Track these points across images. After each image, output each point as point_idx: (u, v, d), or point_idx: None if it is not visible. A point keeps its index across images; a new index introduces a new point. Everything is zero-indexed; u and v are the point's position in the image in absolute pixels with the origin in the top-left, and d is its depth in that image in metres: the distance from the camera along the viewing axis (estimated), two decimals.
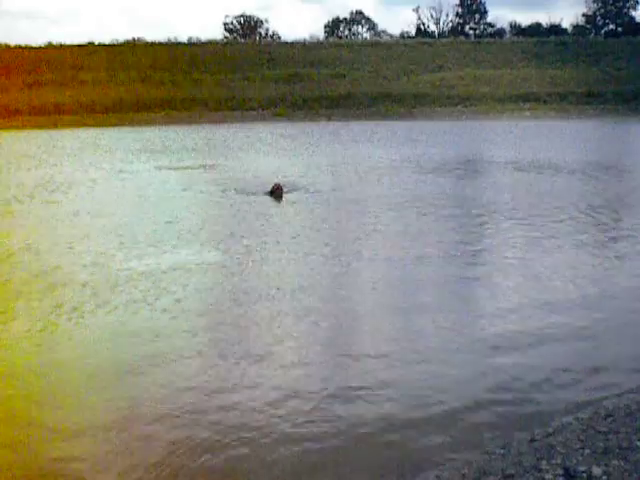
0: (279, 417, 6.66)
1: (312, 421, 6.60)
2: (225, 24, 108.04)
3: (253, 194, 19.58)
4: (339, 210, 17.49)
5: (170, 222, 16.36)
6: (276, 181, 19.80)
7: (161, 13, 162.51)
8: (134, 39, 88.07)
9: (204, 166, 27.74)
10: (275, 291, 10.61)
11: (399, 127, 51.47)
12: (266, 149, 35.29)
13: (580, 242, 14.04)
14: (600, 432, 6.06)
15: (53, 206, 18.93)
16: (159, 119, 59.79)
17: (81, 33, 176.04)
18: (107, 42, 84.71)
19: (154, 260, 12.66)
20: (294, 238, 14.35)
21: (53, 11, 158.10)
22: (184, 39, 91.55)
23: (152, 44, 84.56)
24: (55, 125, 54.12)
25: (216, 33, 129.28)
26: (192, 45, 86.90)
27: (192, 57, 77.79)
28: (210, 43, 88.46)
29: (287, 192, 19.41)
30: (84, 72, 70.42)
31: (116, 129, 52.41)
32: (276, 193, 18.88)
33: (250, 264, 12.32)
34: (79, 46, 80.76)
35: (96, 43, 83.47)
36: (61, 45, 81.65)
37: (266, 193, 19.26)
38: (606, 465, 5.38)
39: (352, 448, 6.12)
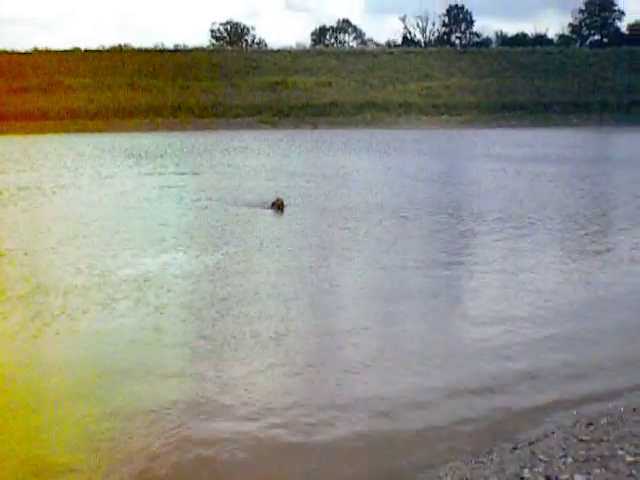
0: (263, 423, 6.64)
1: (287, 430, 6.56)
2: (212, 31, 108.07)
3: (247, 206, 19.24)
4: (331, 219, 17.36)
5: (160, 226, 16.33)
6: (278, 195, 19.17)
7: (149, 20, 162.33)
8: (120, 45, 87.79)
9: (190, 173, 27.73)
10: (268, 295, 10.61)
11: (385, 135, 51.56)
12: (252, 157, 35.29)
13: (555, 244, 14.22)
14: (582, 440, 6.06)
15: (38, 210, 18.88)
16: (145, 125, 59.79)
17: (68, 39, 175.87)
18: (93, 48, 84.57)
19: (139, 264, 12.58)
20: (288, 245, 14.34)
21: (41, 17, 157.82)
22: (171, 46, 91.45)
23: (139, 50, 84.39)
24: (41, 130, 54.03)
25: (203, 40, 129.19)
26: (178, 52, 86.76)
27: (178, 64, 77.78)
28: (196, 50, 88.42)
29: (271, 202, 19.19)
30: (70, 78, 70.32)
31: (102, 135, 52.36)
32: (278, 207, 18.44)
33: (243, 268, 12.30)
34: (65, 52, 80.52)
35: (82, 49, 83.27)
36: (47, 50, 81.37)
37: (267, 207, 18.69)
38: (588, 473, 5.38)
39: (331, 457, 6.09)
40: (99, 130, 55.68)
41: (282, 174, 26.85)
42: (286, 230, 16.11)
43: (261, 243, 14.48)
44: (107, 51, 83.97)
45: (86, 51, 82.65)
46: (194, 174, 27.30)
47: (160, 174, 27.02)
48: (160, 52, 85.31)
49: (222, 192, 21.62)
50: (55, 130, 54.26)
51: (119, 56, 79.99)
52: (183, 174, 27.25)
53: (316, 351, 8.56)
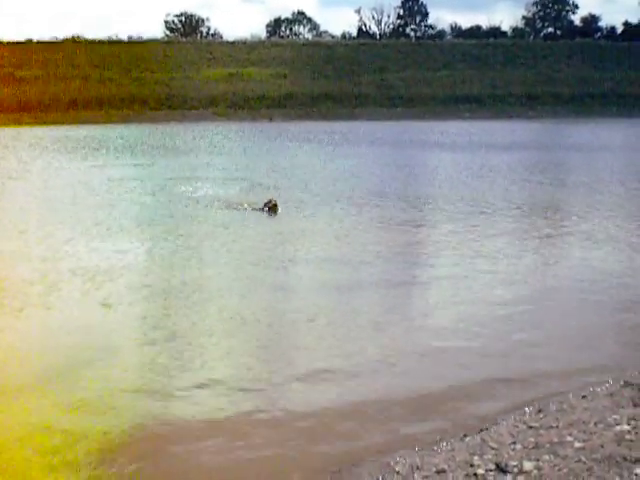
0: (214, 404, 6.61)
1: (237, 412, 6.55)
2: (166, 22, 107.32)
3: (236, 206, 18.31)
4: (326, 216, 17.13)
5: (106, 219, 16.15)
6: (269, 197, 18.32)
7: (102, 11, 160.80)
8: (74, 37, 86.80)
9: (142, 165, 27.53)
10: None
11: (341, 127, 51.64)
12: (208, 149, 35.18)
13: (508, 230, 14.49)
14: (531, 427, 6.10)
15: None
16: (98, 117, 59.20)
17: (21, 31, 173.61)
18: (46, 40, 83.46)
19: (85, 256, 12.49)
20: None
21: None
22: (124, 37, 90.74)
23: (92, 42, 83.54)
24: None
25: (157, 31, 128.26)
26: (132, 43, 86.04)
27: (132, 55, 77.06)
28: (151, 41, 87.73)
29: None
30: (23, 70, 69.36)
31: (55, 127, 51.72)
32: (271, 208, 17.78)
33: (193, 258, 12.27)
34: (18, 43, 79.42)
35: (35, 40, 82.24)
36: None
37: (260, 208, 17.25)
38: (537, 460, 5.42)
39: (282, 446, 6.06)
40: (52, 122, 54.92)
41: (247, 167, 26.83)
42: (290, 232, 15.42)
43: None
44: (60, 42, 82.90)
45: (39, 43, 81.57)
46: (147, 166, 27.10)
47: (112, 166, 26.80)
48: (114, 43, 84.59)
49: (171, 185, 21.55)
50: (7, 123, 53.45)
51: (72, 47, 79.02)
52: (136, 167, 27.02)
53: (267, 336, 8.56)
